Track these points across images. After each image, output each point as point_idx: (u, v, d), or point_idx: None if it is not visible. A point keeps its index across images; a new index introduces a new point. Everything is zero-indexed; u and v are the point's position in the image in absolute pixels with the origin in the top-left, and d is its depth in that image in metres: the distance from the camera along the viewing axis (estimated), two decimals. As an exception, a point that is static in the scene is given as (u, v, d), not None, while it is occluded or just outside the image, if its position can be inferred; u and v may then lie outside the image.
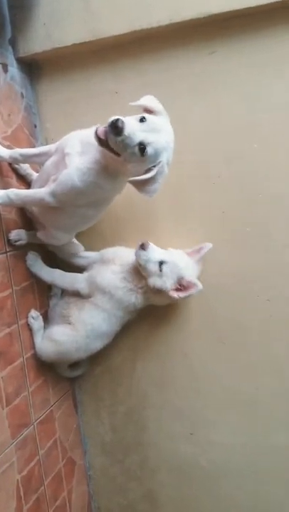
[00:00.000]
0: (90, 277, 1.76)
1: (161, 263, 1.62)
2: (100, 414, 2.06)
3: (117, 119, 1.28)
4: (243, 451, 1.85)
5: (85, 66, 1.85)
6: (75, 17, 1.73)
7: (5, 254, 1.64)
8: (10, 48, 1.83)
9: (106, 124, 1.32)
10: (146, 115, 1.37)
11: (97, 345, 1.78)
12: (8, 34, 1.82)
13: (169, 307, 1.84)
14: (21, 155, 1.64)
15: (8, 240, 1.66)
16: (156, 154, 1.38)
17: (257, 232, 1.73)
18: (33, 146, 1.90)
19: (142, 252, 1.63)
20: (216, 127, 1.74)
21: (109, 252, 1.79)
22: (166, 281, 1.63)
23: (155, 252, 1.64)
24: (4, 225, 1.66)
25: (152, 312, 1.85)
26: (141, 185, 1.43)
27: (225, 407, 1.85)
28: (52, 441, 1.85)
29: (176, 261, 1.64)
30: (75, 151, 1.48)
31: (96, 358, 1.91)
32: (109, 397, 2.04)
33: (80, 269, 1.84)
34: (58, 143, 1.58)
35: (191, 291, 1.60)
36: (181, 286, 1.62)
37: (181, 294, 1.62)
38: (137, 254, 1.64)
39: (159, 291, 1.65)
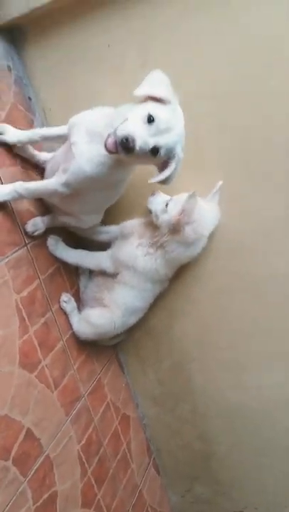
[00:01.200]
0: (113, 254, 1.74)
1: (167, 203, 1.60)
2: (146, 371, 2.16)
3: (127, 138, 1.22)
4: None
5: (71, 21, 1.64)
6: None
7: (25, 248, 1.62)
8: (-15, 17, 1.64)
9: (113, 135, 1.26)
10: (153, 112, 1.26)
11: (134, 320, 1.83)
12: (-20, 0, 1.62)
13: (198, 265, 1.81)
14: (41, 136, 1.58)
15: (26, 232, 1.63)
16: (170, 151, 1.33)
17: (283, 173, 1.60)
18: (32, 122, 1.78)
19: (151, 198, 1.66)
20: (224, 60, 1.53)
21: (128, 225, 1.75)
22: (170, 213, 1.57)
23: (163, 196, 1.66)
24: (18, 217, 1.62)
25: (182, 273, 1.83)
26: (162, 182, 1.40)
27: (268, 354, 1.86)
28: (104, 405, 1.98)
29: (181, 196, 1.58)
30: (82, 141, 1.39)
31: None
32: (152, 356, 2.11)
33: (103, 245, 1.81)
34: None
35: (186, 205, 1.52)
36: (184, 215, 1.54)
37: (182, 214, 1.53)
38: (148, 202, 1.66)
39: (171, 233, 1.59)
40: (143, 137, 1.24)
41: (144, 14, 1.56)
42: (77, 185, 1.44)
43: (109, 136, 1.28)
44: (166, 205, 1.60)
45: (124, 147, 1.23)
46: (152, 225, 1.68)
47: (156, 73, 1.33)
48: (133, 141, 1.22)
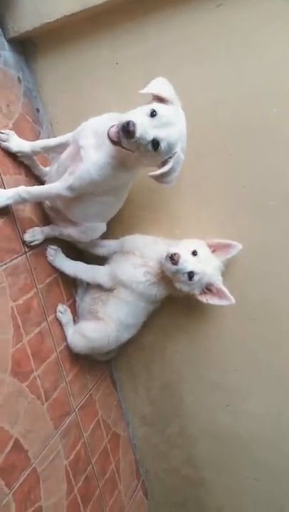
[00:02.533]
0: (111, 270, 1.73)
1: (191, 274, 1.54)
2: (137, 389, 2.12)
3: (128, 122, 1.26)
4: (277, 421, 1.87)
5: (81, 38, 1.69)
6: (62, -15, 1.56)
7: (24, 256, 1.62)
8: (-2, 29, 1.69)
9: (117, 125, 1.30)
10: (156, 107, 1.32)
11: (127, 336, 1.80)
12: (-5, 13, 1.66)
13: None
14: (42, 148, 1.62)
15: (24, 241, 1.63)
16: (171, 147, 1.35)
17: (282, 205, 1.60)
18: (38, 133, 1.80)
19: (172, 266, 1.53)
20: (229, 92, 1.56)
21: (129, 241, 1.74)
22: (194, 289, 1.60)
23: (185, 265, 1.53)
24: (19, 224, 1.62)
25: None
26: (160, 178, 1.41)
27: (258, 380, 1.84)
28: (95, 422, 1.94)
29: (206, 270, 1.56)
30: (90, 144, 1.44)
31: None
32: (144, 374, 2.08)
33: (104, 258, 1.81)
34: (73, 133, 1.52)
35: (223, 303, 1.58)
36: (209, 290, 1.60)
37: (211, 301, 1.60)
38: (165, 266, 1.57)
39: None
40: (144, 125, 1.28)
41: (153, 37, 1.60)
42: (81, 189, 1.47)
43: (112, 126, 1.33)
44: (190, 278, 1.54)
45: (124, 131, 1.26)
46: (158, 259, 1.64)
47: (161, 78, 1.40)
48: (133, 125, 1.25)
